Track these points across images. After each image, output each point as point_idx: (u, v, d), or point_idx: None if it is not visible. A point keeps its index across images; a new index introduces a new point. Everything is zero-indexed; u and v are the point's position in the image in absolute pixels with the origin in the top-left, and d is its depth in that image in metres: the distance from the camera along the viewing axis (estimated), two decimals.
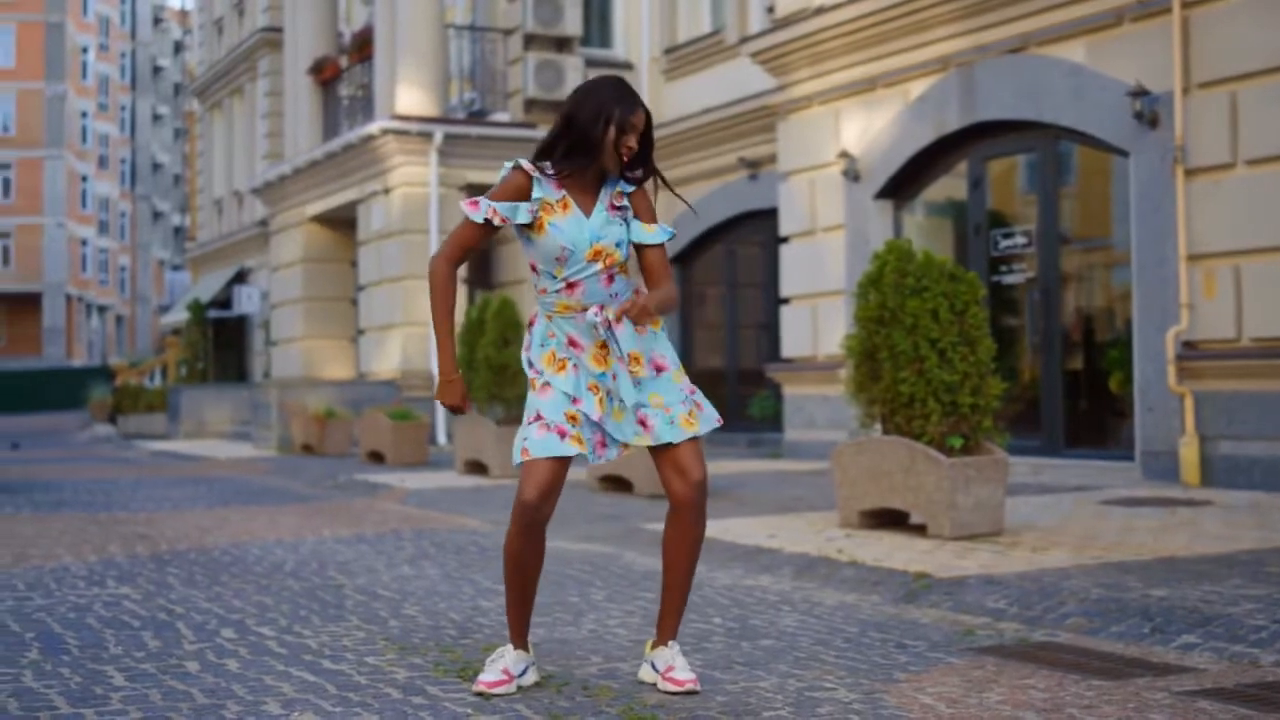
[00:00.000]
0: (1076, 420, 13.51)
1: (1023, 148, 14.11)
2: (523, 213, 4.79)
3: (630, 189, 4.91)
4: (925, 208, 15.62)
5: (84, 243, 77.98)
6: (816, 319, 16.15)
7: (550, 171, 4.82)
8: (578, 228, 4.78)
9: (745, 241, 20.47)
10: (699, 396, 4.97)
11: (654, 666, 4.93)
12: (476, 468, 15.56)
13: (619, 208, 4.89)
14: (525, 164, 4.84)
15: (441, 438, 21.57)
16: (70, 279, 74.43)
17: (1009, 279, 14.12)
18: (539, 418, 4.79)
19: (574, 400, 4.80)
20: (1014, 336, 14.21)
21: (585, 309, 4.83)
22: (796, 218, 16.52)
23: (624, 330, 4.82)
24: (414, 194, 22.26)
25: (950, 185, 15.14)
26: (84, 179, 78.00)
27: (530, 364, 4.91)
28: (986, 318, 8.89)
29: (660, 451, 4.86)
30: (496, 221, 4.80)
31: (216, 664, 5.44)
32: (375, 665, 5.39)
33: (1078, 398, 13.64)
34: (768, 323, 19.47)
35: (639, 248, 4.94)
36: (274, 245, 28.95)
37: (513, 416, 15.33)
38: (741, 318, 20.74)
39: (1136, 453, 12.39)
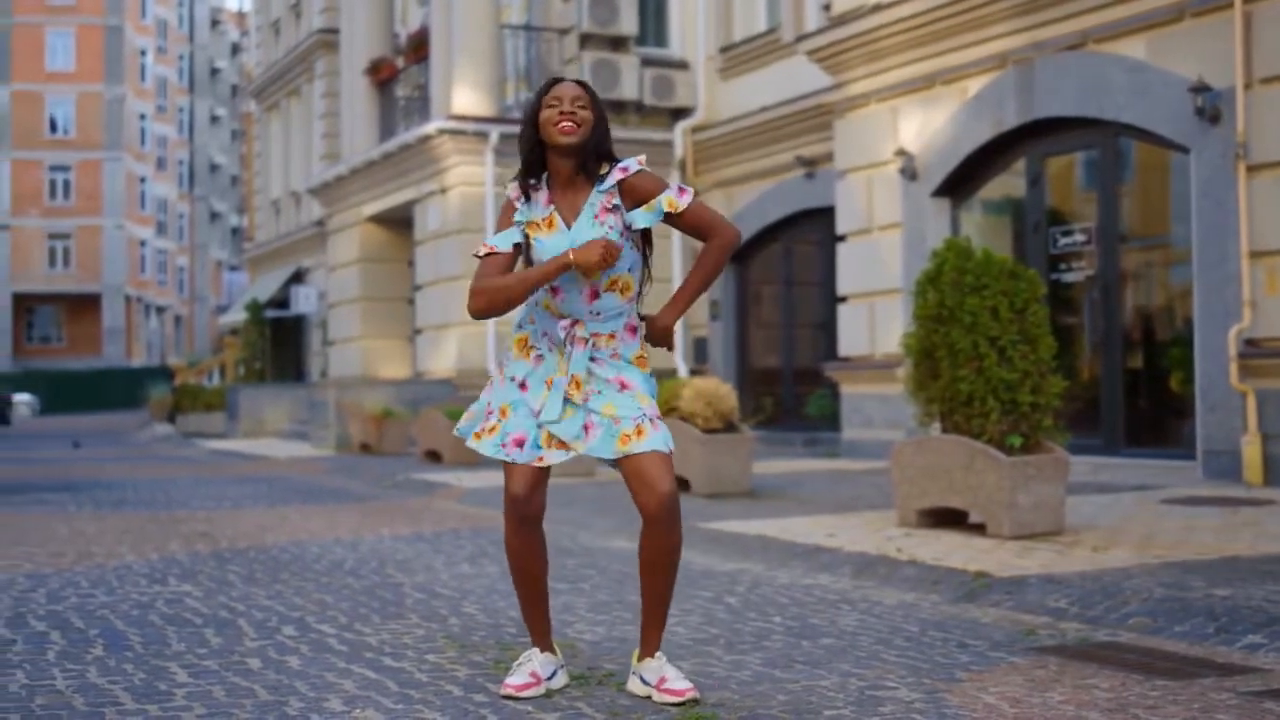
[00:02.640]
0: (1137, 419, 13.41)
1: (1082, 145, 14.01)
2: (515, 235, 4.80)
3: (606, 187, 4.75)
4: (983, 206, 15.54)
5: (143, 244, 78.63)
6: (874, 317, 16.10)
7: (533, 187, 4.80)
8: (558, 241, 4.72)
9: (802, 240, 20.42)
10: (659, 420, 4.79)
11: (644, 680, 4.79)
12: None
13: (611, 209, 4.75)
14: (511, 190, 4.85)
15: None
16: (129, 280, 75.09)
17: (1068, 277, 14.02)
18: (490, 411, 4.87)
19: (522, 386, 4.81)
20: (1073, 335, 14.11)
21: (562, 318, 4.78)
22: (853, 216, 16.47)
23: (580, 354, 4.76)
24: (470, 194, 22.32)
25: (1008, 183, 15.06)
26: (142, 180, 78.64)
27: (510, 349, 4.93)
28: (1047, 315, 8.83)
29: (626, 464, 4.72)
30: (483, 252, 4.80)
31: (278, 661, 5.47)
32: (436, 663, 5.40)
33: (1138, 396, 13.54)
34: (824, 321, 19.41)
35: (672, 220, 4.81)
36: (331, 245, 29.10)
37: None
38: (798, 316, 20.69)
39: (1198, 452, 12.29)
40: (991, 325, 8.57)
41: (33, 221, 72.87)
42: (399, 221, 26.36)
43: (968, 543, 8.28)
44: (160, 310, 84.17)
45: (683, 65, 22.68)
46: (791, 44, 18.44)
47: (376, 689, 4.95)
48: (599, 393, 4.76)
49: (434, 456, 18.63)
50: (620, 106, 22.92)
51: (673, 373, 20.32)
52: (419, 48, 24.86)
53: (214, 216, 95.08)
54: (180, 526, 11.12)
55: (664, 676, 4.72)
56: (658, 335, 4.87)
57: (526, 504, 4.76)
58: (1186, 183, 12.60)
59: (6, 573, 8.23)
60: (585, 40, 22.69)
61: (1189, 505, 10.09)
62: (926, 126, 15.32)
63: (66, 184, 73.63)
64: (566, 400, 4.76)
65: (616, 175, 4.76)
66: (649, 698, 4.74)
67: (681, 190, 4.82)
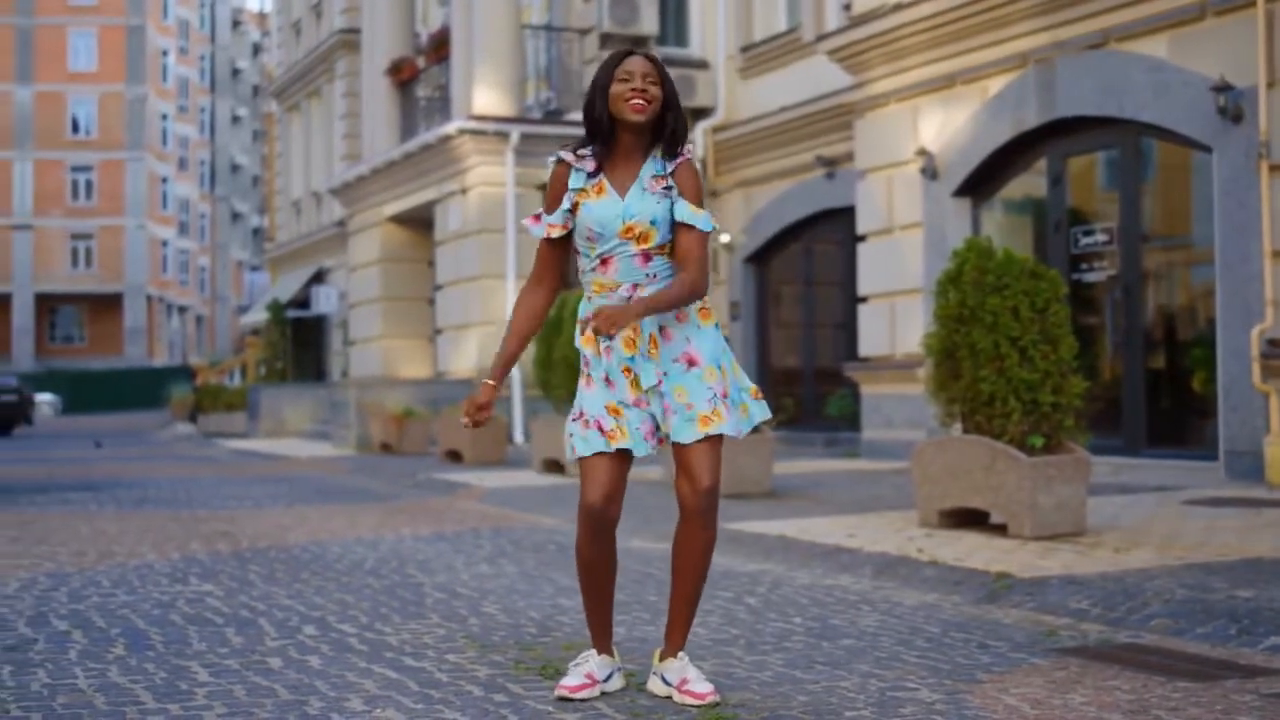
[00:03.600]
0: (1158, 419, 13.36)
1: (1103, 144, 13.97)
2: (565, 205, 4.79)
3: (669, 168, 4.76)
4: (1004, 205, 15.50)
5: (164, 244, 78.88)
6: (894, 318, 16.07)
7: (585, 155, 4.77)
8: (608, 208, 4.70)
9: (822, 240, 20.39)
10: (740, 398, 4.80)
11: (665, 680, 4.76)
12: (554, 467, 15.60)
13: (665, 188, 4.74)
14: (564, 155, 4.82)
15: (519, 436, 21.63)
16: (151, 280, 75.33)
17: (1089, 277, 13.98)
18: (581, 415, 4.73)
19: (609, 384, 4.72)
20: (1094, 335, 14.07)
21: (619, 287, 4.73)
22: (874, 216, 16.44)
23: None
24: (491, 194, 22.34)
25: (1029, 183, 15.02)
26: (164, 180, 78.89)
27: (580, 351, 4.84)
28: (1068, 315, 8.80)
29: (675, 451, 4.72)
30: (555, 234, 4.82)
31: (299, 660, 5.48)
32: (456, 663, 5.41)
33: (1160, 397, 13.49)
34: (845, 322, 19.38)
35: (675, 229, 4.76)
36: (352, 245, 29.15)
37: None
38: (818, 317, 20.67)
39: (1220, 452, 12.24)
40: (1013, 325, 8.55)
41: (55, 222, 73.17)
42: (420, 221, 26.39)
43: (989, 543, 8.26)
44: (182, 310, 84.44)
45: (703, 65, 22.66)
46: (812, 43, 18.41)
47: (397, 689, 4.96)
48: (666, 374, 4.71)
49: (455, 456, 18.66)
50: None
51: None
52: (440, 48, 24.90)
53: (235, 217, 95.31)
54: (201, 526, 11.15)
55: (686, 678, 4.70)
56: (602, 319, 4.50)
57: (603, 514, 4.68)
58: (1208, 182, 12.56)
59: (29, 572, 8.26)
60: (606, 40, 22.67)
61: (1211, 506, 10.05)
62: (947, 126, 15.29)
63: (88, 184, 73.92)
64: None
65: (677, 159, 4.78)
66: (669, 698, 4.71)
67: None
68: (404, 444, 21.45)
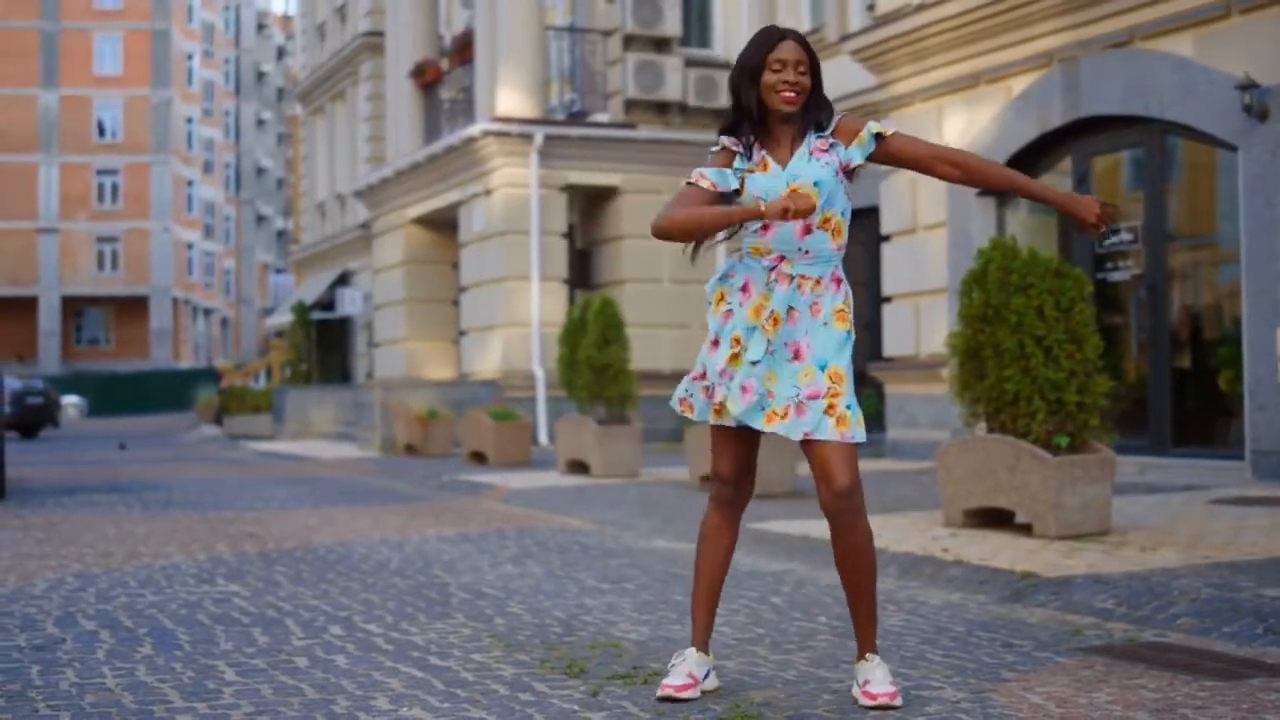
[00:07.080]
0: (1184, 419, 13.31)
1: (1128, 143, 13.93)
2: (730, 179, 4.69)
3: (824, 133, 4.72)
4: (1028, 205, 15.45)
5: (190, 246, 79.19)
6: (918, 317, 16.05)
7: (745, 143, 4.72)
8: (773, 179, 4.63)
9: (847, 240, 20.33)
10: (843, 404, 4.59)
11: (857, 680, 4.71)
12: (578, 467, 15.61)
13: (828, 148, 4.69)
14: (727, 141, 4.75)
15: (543, 438, 21.65)
16: (176, 282, 75.64)
17: (1114, 276, 13.94)
18: (703, 375, 4.72)
19: (714, 344, 4.67)
20: (1120, 334, 14.03)
21: (770, 254, 4.64)
22: (898, 216, 16.42)
23: (784, 291, 4.62)
24: (515, 195, 22.36)
25: (1054, 182, 14.97)
26: (189, 184, 79.20)
27: (709, 304, 4.77)
28: (1093, 314, 8.77)
29: (806, 449, 4.63)
30: (705, 185, 4.67)
31: (325, 660, 5.50)
32: (482, 662, 5.42)
33: (1185, 396, 13.45)
34: (869, 321, 19.36)
35: (882, 154, 4.71)
36: (376, 247, 29.22)
37: (615, 417, 15.38)
38: None
39: (1246, 452, 12.19)
40: (1037, 324, 8.53)
41: (81, 225, 73.50)
42: (444, 223, 26.44)
43: (1014, 543, 8.24)
44: (207, 313, 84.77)
45: (727, 66, 22.62)
46: (836, 44, 18.40)
47: (423, 688, 4.97)
48: (772, 354, 4.63)
49: (479, 458, 18.67)
50: (664, 107, 22.96)
51: None
52: (463, 50, 24.94)
53: (260, 219, 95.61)
54: (227, 527, 11.18)
55: (868, 679, 4.65)
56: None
57: (735, 488, 4.76)
58: (1234, 181, 12.51)
59: (56, 572, 8.30)
60: (629, 41, 22.71)
61: (1237, 505, 10.01)
62: (972, 126, 15.26)
63: (114, 187, 74.23)
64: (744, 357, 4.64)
65: (833, 123, 4.74)
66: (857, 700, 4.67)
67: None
68: (428, 445, 21.48)
